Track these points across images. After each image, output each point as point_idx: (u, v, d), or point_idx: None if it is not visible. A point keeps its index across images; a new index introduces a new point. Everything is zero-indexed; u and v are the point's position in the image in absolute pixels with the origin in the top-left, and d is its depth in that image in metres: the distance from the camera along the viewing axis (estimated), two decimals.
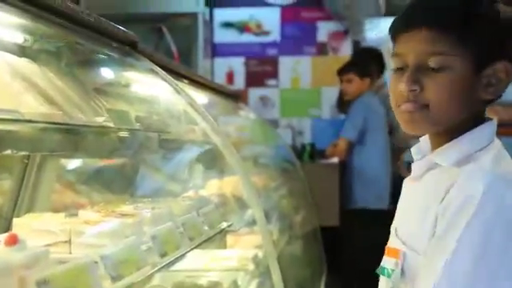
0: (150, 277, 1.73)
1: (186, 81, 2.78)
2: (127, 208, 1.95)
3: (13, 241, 1.24)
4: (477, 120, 1.32)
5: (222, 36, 6.68)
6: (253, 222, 2.54)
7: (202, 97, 3.09)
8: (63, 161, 2.29)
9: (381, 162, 5.02)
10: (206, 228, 2.14)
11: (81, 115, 1.70)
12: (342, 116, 5.76)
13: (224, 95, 3.80)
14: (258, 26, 6.69)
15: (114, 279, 1.38)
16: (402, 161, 5.07)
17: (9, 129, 1.43)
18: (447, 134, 1.31)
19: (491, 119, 1.34)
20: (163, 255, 1.69)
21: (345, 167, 5.14)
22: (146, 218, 1.83)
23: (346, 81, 5.19)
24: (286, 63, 6.67)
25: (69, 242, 1.56)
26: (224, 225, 2.40)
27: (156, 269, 1.64)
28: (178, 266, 2.17)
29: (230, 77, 6.70)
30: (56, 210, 1.95)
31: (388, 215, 1.46)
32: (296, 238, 3.93)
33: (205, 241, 2.10)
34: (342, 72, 5.25)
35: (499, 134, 1.33)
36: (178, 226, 1.90)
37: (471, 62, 1.26)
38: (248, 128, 4.35)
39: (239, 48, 6.70)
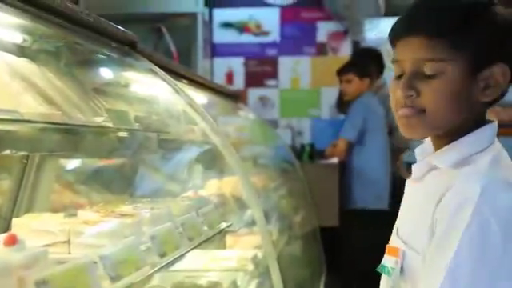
0: (149, 277, 1.73)
1: (185, 81, 2.78)
2: (126, 208, 1.95)
3: (12, 241, 1.24)
4: (477, 122, 1.32)
5: (222, 36, 6.68)
6: (252, 223, 2.54)
7: (201, 97, 3.08)
8: (62, 161, 2.29)
9: (380, 162, 5.02)
10: (206, 228, 2.14)
11: (80, 115, 1.70)
12: (342, 116, 5.75)
13: (223, 95, 3.80)
14: (258, 26, 6.68)
15: (113, 279, 1.38)
16: (402, 161, 5.07)
17: (8, 129, 1.43)
18: (447, 136, 1.32)
19: (492, 121, 1.34)
20: (162, 255, 1.69)
21: (344, 167, 5.14)
22: (145, 218, 1.83)
23: (346, 81, 5.18)
24: (285, 63, 6.66)
25: (68, 242, 1.56)
26: (223, 225, 2.39)
27: (155, 269, 1.64)
28: (177, 266, 2.17)
29: (230, 77, 6.70)
30: (55, 210, 1.95)
31: (387, 215, 1.47)
32: (295, 238, 3.93)
33: (204, 241, 2.09)
34: (341, 72, 5.25)
35: (499, 134, 1.33)
36: (177, 226, 1.90)
37: (468, 65, 1.26)
38: (247, 128, 4.35)
39: (239, 48, 6.69)
